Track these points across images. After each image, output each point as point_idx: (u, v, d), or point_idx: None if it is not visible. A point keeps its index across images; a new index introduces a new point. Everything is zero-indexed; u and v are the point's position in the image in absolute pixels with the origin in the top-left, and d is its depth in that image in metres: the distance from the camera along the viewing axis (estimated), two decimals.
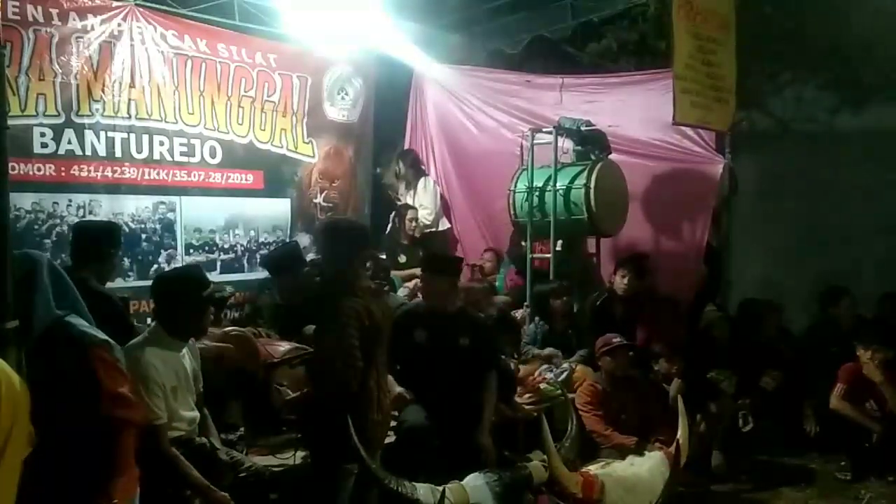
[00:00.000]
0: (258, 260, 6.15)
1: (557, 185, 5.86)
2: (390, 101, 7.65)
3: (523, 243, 6.22)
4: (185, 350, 3.19)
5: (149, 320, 4.50)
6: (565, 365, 5.04)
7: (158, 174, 5.66)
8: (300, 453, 3.59)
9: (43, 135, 5.04)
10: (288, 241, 6.36)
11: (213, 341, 3.70)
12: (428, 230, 7.16)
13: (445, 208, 7.53)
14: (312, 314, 3.85)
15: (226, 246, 6.17)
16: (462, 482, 3.07)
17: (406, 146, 7.75)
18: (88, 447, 1.83)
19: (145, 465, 2.84)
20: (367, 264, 3.70)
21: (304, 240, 6.52)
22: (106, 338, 2.16)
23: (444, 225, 7.44)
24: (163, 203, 5.73)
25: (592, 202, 5.75)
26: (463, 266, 4.44)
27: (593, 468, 3.39)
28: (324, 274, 4.09)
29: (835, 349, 5.16)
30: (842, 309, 5.58)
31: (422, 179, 7.32)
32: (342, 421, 2.91)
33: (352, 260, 3.36)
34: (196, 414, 3.21)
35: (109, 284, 3.88)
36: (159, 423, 2.93)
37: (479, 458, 3.52)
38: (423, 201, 7.24)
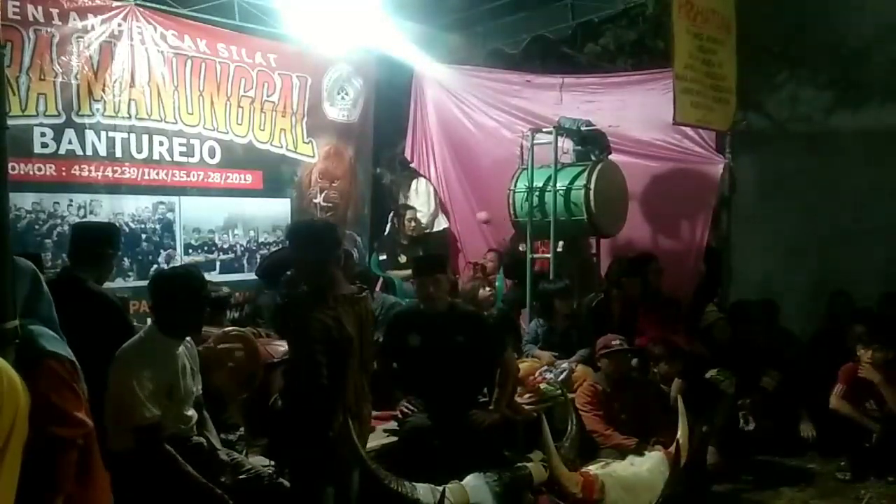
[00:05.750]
0: (257, 261, 6.15)
1: (557, 185, 5.85)
2: (390, 101, 7.66)
3: (521, 248, 6.18)
4: (181, 350, 3.18)
5: (149, 320, 4.50)
6: (565, 365, 5.03)
7: (158, 174, 5.67)
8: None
9: (43, 135, 5.05)
10: (279, 247, 6.32)
11: (213, 341, 3.70)
12: (424, 231, 7.13)
13: (444, 209, 7.52)
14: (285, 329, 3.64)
15: (225, 246, 6.18)
16: (462, 482, 3.08)
17: (406, 146, 7.75)
18: (29, 461, 1.72)
19: (142, 464, 2.86)
20: (340, 266, 3.43)
21: None
22: (67, 354, 2.01)
23: (439, 226, 7.43)
24: (162, 203, 5.74)
25: (592, 203, 5.74)
26: (446, 261, 4.46)
27: (593, 468, 3.39)
28: (294, 284, 3.78)
29: (840, 358, 5.15)
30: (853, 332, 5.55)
31: (413, 182, 7.32)
32: (320, 442, 2.84)
33: (321, 266, 3.09)
34: (193, 413, 3.19)
35: (109, 284, 3.87)
36: (153, 421, 2.91)
37: (479, 458, 3.49)
38: (414, 203, 7.24)
